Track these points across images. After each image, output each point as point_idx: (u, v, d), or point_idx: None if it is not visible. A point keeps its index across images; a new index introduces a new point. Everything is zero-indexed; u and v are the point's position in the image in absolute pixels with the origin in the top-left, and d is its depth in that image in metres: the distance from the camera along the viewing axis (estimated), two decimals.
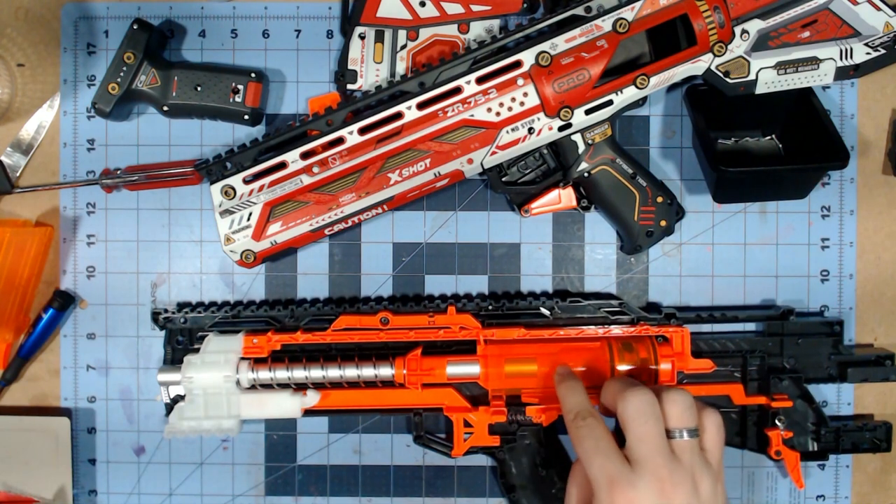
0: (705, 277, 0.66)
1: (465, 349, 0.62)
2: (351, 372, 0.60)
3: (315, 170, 0.60)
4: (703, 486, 0.50)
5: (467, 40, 0.63)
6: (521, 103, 0.59)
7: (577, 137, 0.60)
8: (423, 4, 0.62)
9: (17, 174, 0.66)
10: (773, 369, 0.63)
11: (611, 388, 0.53)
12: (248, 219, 0.60)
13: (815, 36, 0.59)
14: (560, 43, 0.58)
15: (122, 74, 0.62)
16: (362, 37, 0.63)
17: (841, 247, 0.66)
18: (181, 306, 0.66)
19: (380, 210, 0.61)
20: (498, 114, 0.59)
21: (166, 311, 0.63)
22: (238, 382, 0.61)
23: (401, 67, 0.63)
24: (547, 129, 0.59)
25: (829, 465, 0.66)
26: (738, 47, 0.59)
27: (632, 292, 0.66)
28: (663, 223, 0.62)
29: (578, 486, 0.53)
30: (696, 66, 0.59)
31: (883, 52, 0.59)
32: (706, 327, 0.64)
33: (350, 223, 0.61)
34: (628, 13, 0.58)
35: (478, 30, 0.63)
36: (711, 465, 0.51)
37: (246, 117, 0.64)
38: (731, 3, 0.58)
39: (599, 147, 0.60)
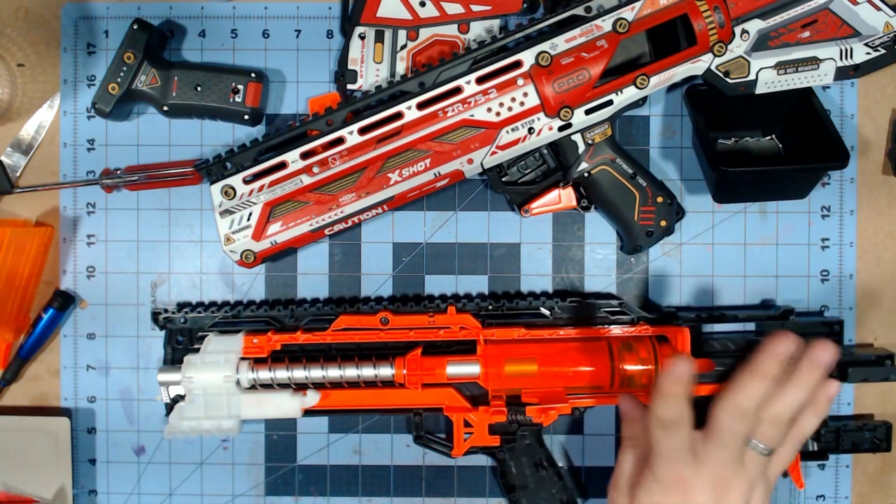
0: (705, 277, 0.66)
1: (465, 349, 0.62)
2: (351, 372, 0.60)
3: (315, 170, 0.60)
4: (756, 498, 0.51)
5: (467, 40, 0.63)
6: (521, 103, 0.59)
7: (577, 137, 0.60)
8: (423, 4, 0.62)
9: (17, 174, 0.66)
10: None
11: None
12: (248, 219, 0.60)
13: (815, 36, 0.59)
14: (560, 43, 0.58)
15: (122, 74, 0.62)
16: (362, 37, 0.63)
17: (841, 247, 0.66)
18: (181, 306, 0.66)
19: (380, 210, 0.61)
20: (498, 114, 0.59)
21: (166, 311, 0.63)
22: (238, 382, 0.61)
23: (401, 67, 0.63)
24: (547, 129, 0.59)
25: (829, 465, 0.66)
26: (738, 47, 0.59)
27: (632, 292, 0.66)
28: (663, 223, 0.62)
29: (634, 449, 0.54)
30: (696, 66, 0.59)
31: (883, 52, 0.59)
32: (706, 327, 0.64)
33: (350, 223, 0.61)
34: (628, 13, 0.58)
35: (478, 30, 0.63)
36: (770, 480, 0.53)
37: (246, 117, 0.64)
38: (731, 3, 0.58)
39: (599, 147, 0.60)
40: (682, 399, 0.51)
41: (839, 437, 0.62)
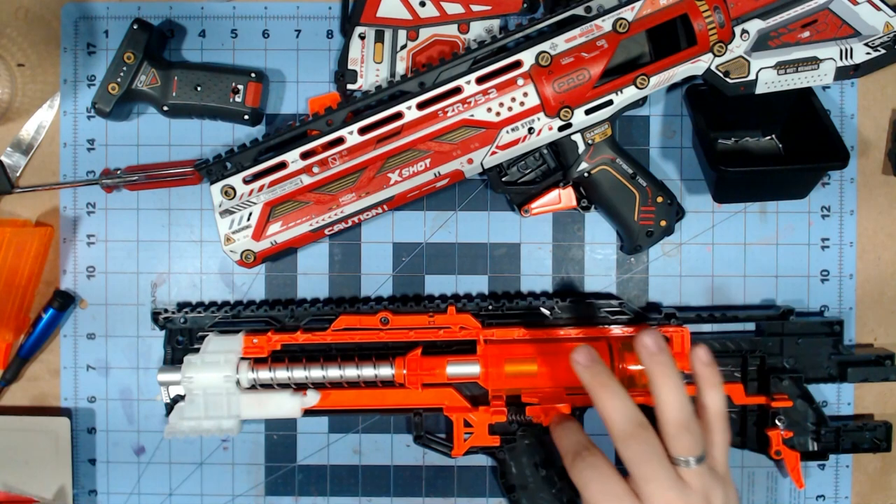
0: (705, 277, 0.66)
1: (465, 349, 0.62)
2: (351, 372, 0.60)
3: (315, 170, 0.60)
4: (716, 500, 0.49)
5: (467, 40, 0.63)
6: (521, 103, 0.59)
7: (577, 137, 0.60)
8: (423, 4, 0.62)
9: (17, 174, 0.66)
10: (773, 369, 0.63)
11: (609, 427, 0.51)
12: (248, 219, 0.60)
13: (815, 36, 0.59)
14: (560, 43, 0.58)
15: (122, 74, 0.62)
16: (362, 37, 0.63)
17: (841, 247, 0.66)
18: (181, 306, 0.66)
19: (380, 210, 0.61)
20: (498, 114, 0.59)
21: (166, 311, 0.63)
22: (238, 382, 0.61)
23: (401, 67, 0.63)
24: (547, 129, 0.59)
25: (829, 465, 0.66)
26: (738, 47, 0.59)
27: (632, 292, 0.66)
28: (663, 223, 0.62)
29: None
30: (696, 66, 0.59)
31: (883, 52, 0.59)
32: (706, 327, 0.64)
33: (350, 223, 0.61)
34: (628, 13, 0.58)
35: (478, 30, 0.63)
36: (719, 473, 0.51)
37: (246, 117, 0.64)
38: (731, 3, 0.58)
39: (599, 147, 0.60)
40: (603, 474, 0.50)
41: (839, 437, 0.62)
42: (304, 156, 0.60)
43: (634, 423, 0.49)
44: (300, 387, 0.61)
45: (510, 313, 0.63)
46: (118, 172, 0.64)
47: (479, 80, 0.59)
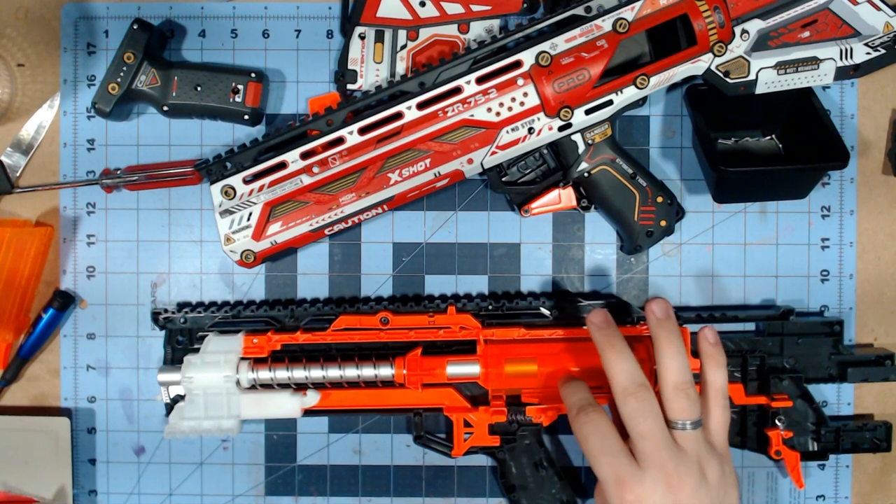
0: (705, 277, 0.66)
1: (465, 349, 0.62)
2: (351, 372, 0.60)
3: (315, 170, 0.60)
4: (711, 472, 0.51)
5: (467, 40, 0.63)
6: (521, 103, 0.59)
7: (577, 137, 0.60)
8: (423, 4, 0.62)
9: (17, 174, 0.66)
10: (773, 369, 0.63)
11: (612, 385, 0.53)
12: (248, 219, 0.60)
13: (815, 36, 0.59)
14: (560, 43, 0.58)
15: (122, 74, 0.62)
16: (362, 37, 0.63)
17: (841, 247, 0.66)
18: (181, 306, 0.66)
19: (380, 210, 0.61)
20: (498, 114, 0.59)
21: (166, 311, 0.63)
22: (238, 382, 0.61)
23: (401, 67, 0.63)
24: (547, 129, 0.59)
25: (829, 465, 0.66)
26: (738, 47, 0.59)
27: (632, 292, 0.66)
28: (663, 223, 0.62)
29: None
30: (696, 66, 0.59)
31: (883, 52, 0.59)
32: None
33: (350, 223, 0.61)
34: (628, 13, 0.58)
35: (478, 30, 0.63)
36: (717, 448, 0.52)
37: (246, 117, 0.64)
38: (731, 3, 0.58)
39: (599, 147, 0.60)
40: (603, 430, 0.52)
41: (839, 437, 0.62)
42: (304, 156, 0.60)
43: (636, 383, 0.52)
44: (300, 387, 0.61)
45: (510, 313, 0.63)
46: (118, 172, 0.64)
47: (479, 80, 0.59)
